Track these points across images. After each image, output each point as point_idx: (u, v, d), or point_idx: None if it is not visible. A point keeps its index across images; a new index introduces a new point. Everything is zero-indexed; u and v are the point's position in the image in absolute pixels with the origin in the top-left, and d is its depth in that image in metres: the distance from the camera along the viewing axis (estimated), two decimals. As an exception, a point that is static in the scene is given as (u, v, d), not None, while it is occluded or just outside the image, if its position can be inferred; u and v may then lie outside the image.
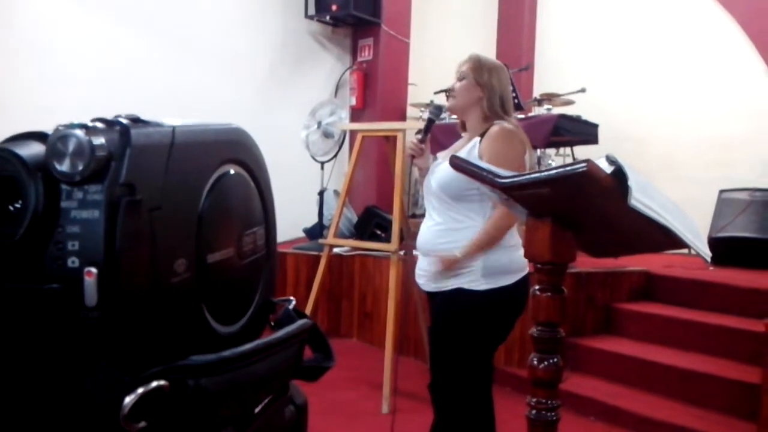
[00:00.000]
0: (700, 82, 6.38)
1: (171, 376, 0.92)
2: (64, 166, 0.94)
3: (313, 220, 6.11)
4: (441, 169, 2.53)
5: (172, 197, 1.00)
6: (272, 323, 1.23)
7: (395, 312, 4.14)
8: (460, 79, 2.63)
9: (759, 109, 5.93)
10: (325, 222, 5.75)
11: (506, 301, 2.48)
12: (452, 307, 2.49)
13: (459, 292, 2.46)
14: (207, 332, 1.05)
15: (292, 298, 1.26)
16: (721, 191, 5.54)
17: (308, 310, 4.46)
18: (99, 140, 0.95)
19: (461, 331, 2.49)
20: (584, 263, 4.52)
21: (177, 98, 5.21)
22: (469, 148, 2.54)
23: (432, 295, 2.62)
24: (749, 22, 5.77)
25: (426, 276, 2.58)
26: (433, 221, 2.56)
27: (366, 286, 5.57)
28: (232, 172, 1.15)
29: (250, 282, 1.19)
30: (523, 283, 2.49)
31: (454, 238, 2.48)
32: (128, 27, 5.57)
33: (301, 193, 6.24)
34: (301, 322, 1.19)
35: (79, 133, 0.95)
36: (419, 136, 2.66)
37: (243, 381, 1.01)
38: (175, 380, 0.92)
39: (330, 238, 4.62)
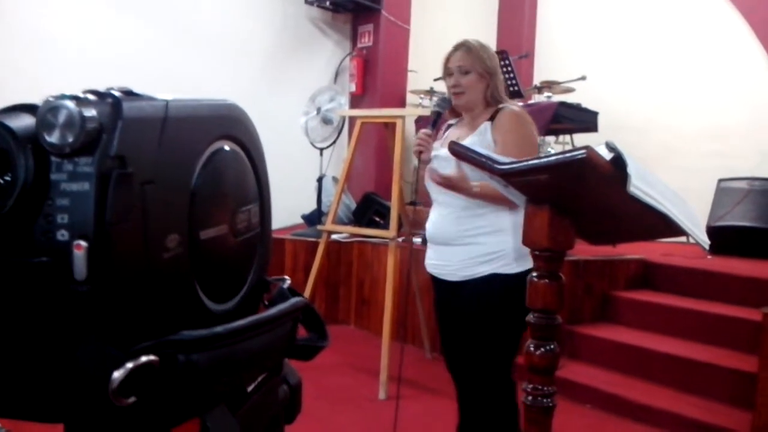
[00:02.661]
0: (701, 72, 6.36)
1: (161, 351, 0.90)
2: (53, 138, 0.92)
3: (311, 206, 6.10)
4: (444, 157, 2.45)
5: (164, 171, 0.99)
6: (266, 302, 1.21)
7: (393, 299, 4.13)
8: (464, 72, 2.55)
9: (759, 98, 5.92)
10: (324, 208, 5.75)
11: None
12: (489, 293, 2.43)
13: (494, 277, 2.41)
14: (199, 309, 1.04)
15: (287, 277, 1.25)
16: (720, 180, 5.53)
17: (306, 296, 4.45)
18: (90, 112, 0.93)
19: (501, 316, 2.43)
20: (582, 251, 4.51)
21: (175, 83, 5.19)
22: (479, 134, 2.48)
23: (455, 286, 2.52)
24: (751, 11, 5.74)
25: (449, 266, 2.51)
26: (449, 209, 2.49)
27: (364, 273, 5.56)
28: (226, 148, 1.13)
29: (244, 260, 1.18)
30: None
31: (481, 223, 2.44)
32: (126, 12, 5.54)
33: (300, 179, 6.24)
34: (294, 300, 1.17)
35: (70, 104, 0.93)
36: (426, 131, 2.56)
37: (235, 358, 0.99)
38: (166, 355, 0.90)
39: (328, 225, 4.61)
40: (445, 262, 2.53)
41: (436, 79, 6.42)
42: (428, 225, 2.62)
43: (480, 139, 2.45)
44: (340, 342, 5.18)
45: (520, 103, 5.64)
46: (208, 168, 1.06)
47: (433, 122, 2.61)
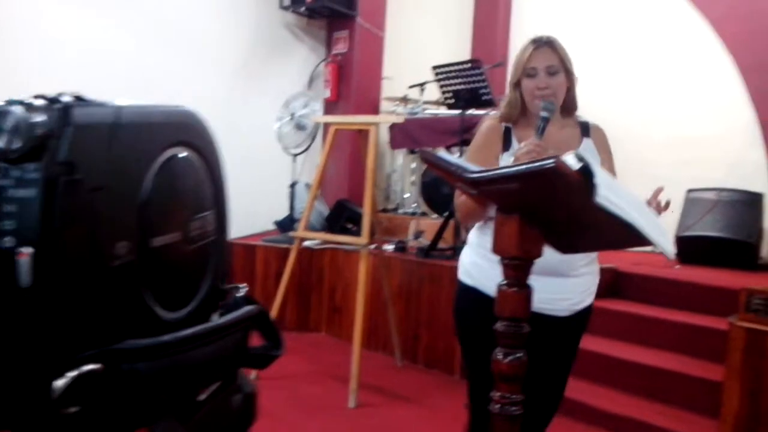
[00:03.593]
0: (672, 83, 6.43)
1: (105, 359, 0.89)
2: (0, 143, 0.91)
3: (284, 212, 6.07)
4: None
5: (115, 178, 0.97)
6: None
7: (364, 306, 4.12)
8: (553, 73, 2.21)
9: (729, 110, 5.99)
10: (296, 215, 5.72)
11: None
12: (583, 326, 2.33)
13: (590, 308, 2.32)
14: (150, 318, 1.02)
15: (243, 285, 1.23)
16: (689, 191, 5.59)
17: (277, 303, 4.43)
18: (38, 118, 0.92)
19: (577, 344, 2.35)
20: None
21: (146, 88, 5.14)
22: (586, 151, 2.18)
23: (559, 321, 2.25)
24: (723, 24, 5.82)
25: (565, 300, 2.24)
26: None
27: (336, 280, 5.54)
28: (182, 155, 1.12)
29: (198, 268, 1.16)
30: None
31: (586, 254, 2.23)
32: (97, 16, 5.49)
33: (273, 185, 6.21)
34: (246, 308, 1.16)
35: (18, 110, 0.92)
36: (534, 140, 2.11)
37: (182, 367, 0.98)
38: (110, 364, 0.89)
39: (300, 231, 4.59)
40: (559, 296, 2.22)
41: (411, 87, 6.45)
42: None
43: (592, 155, 2.16)
44: (311, 349, 5.16)
45: (492, 112, 5.67)
46: (162, 175, 1.05)
47: (542, 129, 2.18)
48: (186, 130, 1.15)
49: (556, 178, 1.41)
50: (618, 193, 1.44)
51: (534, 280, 1.94)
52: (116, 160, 0.98)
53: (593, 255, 2.27)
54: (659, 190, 1.90)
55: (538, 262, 1.96)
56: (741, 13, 5.59)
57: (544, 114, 2.16)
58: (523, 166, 1.52)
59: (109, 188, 0.96)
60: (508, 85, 2.31)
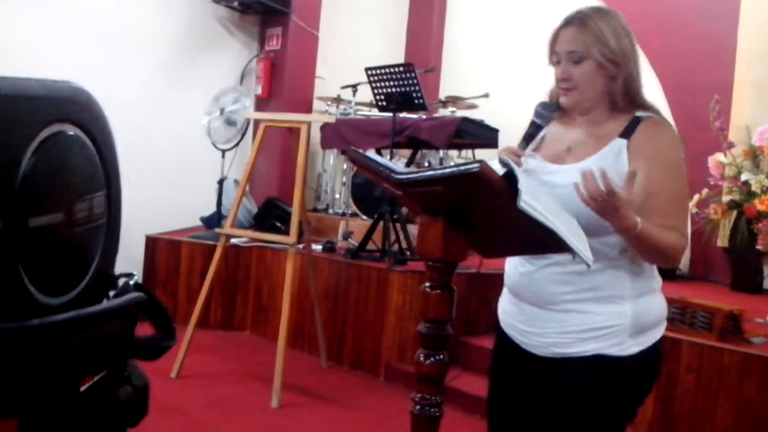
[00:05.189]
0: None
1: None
2: None
3: (211, 209, 5.97)
4: (564, 186, 1.67)
5: (-13, 153, 0.90)
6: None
7: (290, 306, 4.09)
8: (576, 61, 1.75)
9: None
10: (224, 211, 5.63)
11: (657, 361, 1.81)
12: (591, 381, 1.73)
13: (600, 359, 1.71)
14: (27, 302, 0.95)
15: (134, 272, 1.17)
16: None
17: (201, 301, 4.35)
18: None
19: (603, 412, 1.75)
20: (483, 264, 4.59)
21: (65, 78, 4.96)
22: (612, 154, 1.72)
23: (538, 362, 1.81)
24: (647, 40, 6.00)
25: (541, 338, 1.79)
26: (547, 260, 1.74)
27: (262, 279, 5.48)
28: (68, 132, 1.04)
29: (84, 252, 1.08)
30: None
31: (592, 284, 1.71)
32: (16, 2, 5.27)
33: (201, 180, 6.11)
34: (130, 295, 1.10)
35: None
36: (513, 148, 1.81)
37: (53, 354, 0.92)
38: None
39: (227, 228, 4.52)
40: (535, 329, 1.80)
41: (343, 87, 6.43)
42: (511, 270, 1.88)
43: (614, 161, 1.69)
44: (235, 348, 5.09)
45: (424, 117, 5.72)
46: (43, 152, 0.97)
47: (528, 136, 1.86)
48: (72, 107, 1.07)
49: (480, 182, 1.43)
50: (540, 200, 1.47)
51: (508, 299, 1.91)
52: (-12, 133, 0.91)
53: (603, 291, 1.72)
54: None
55: (515, 281, 1.84)
56: (665, 29, 5.80)
57: (535, 119, 1.87)
58: (448, 170, 1.54)
59: (-20, 164, 0.89)
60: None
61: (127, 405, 1.13)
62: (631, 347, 1.72)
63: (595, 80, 1.75)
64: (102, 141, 1.11)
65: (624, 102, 1.77)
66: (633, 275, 1.74)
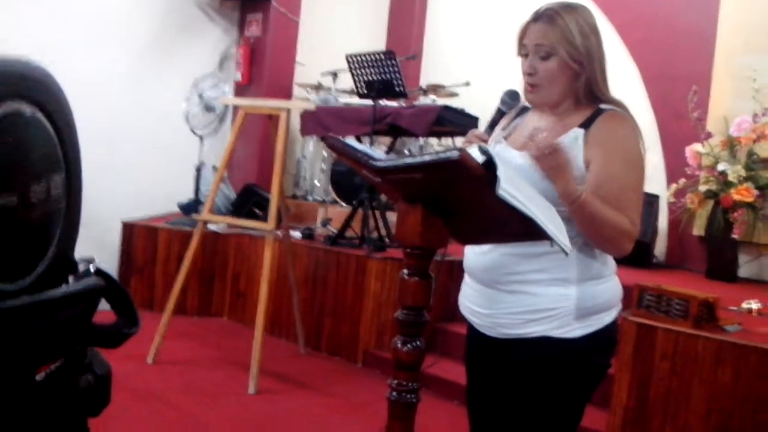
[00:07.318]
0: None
1: None
2: None
3: (189, 195, 5.93)
4: (520, 168, 1.73)
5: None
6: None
7: (268, 292, 4.08)
8: (543, 56, 1.80)
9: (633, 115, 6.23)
10: (202, 198, 5.60)
11: (605, 345, 1.85)
12: (538, 362, 1.78)
13: (546, 341, 1.76)
14: None
15: (93, 256, 1.14)
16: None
17: (177, 287, 4.33)
18: None
19: (550, 393, 1.79)
20: (460, 252, 4.60)
21: (46, 64, 4.88)
22: (570, 140, 1.78)
23: (492, 343, 1.87)
24: (627, 31, 6.03)
25: (489, 317, 1.85)
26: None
27: (240, 265, 5.46)
28: (23, 111, 1.00)
29: (41, 236, 1.04)
30: (616, 319, 1.87)
31: (539, 266, 1.76)
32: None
33: (179, 166, 6.05)
34: (88, 280, 1.07)
35: None
36: (478, 132, 1.88)
37: (9, 342, 0.89)
38: None
39: (205, 214, 4.49)
40: (487, 310, 1.86)
41: (323, 74, 6.40)
42: (468, 251, 1.93)
43: (569, 148, 1.75)
44: (212, 335, 5.07)
45: (404, 104, 5.71)
46: None
47: (493, 122, 1.91)
48: (27, 85, 1.02)
49: (459, 169, 1.44)
50: (519, 187, 1.47)
51: (467, 283, 1.97)
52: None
53: (548, 273, 1.77)
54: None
55: (471, 261, 1.91)
56: (645, 20, 5.82)
57: (499, 106, 1.91)
58: (427, 157, 1.54)
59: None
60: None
61: (88, 394, 1.10)
62: (576, 330, 1.77)
63: (559, 78, 1.81)
64: (60, 121, 1.06)
65: (587, 99, 1.83)
66: (581, 260, 1.78)
